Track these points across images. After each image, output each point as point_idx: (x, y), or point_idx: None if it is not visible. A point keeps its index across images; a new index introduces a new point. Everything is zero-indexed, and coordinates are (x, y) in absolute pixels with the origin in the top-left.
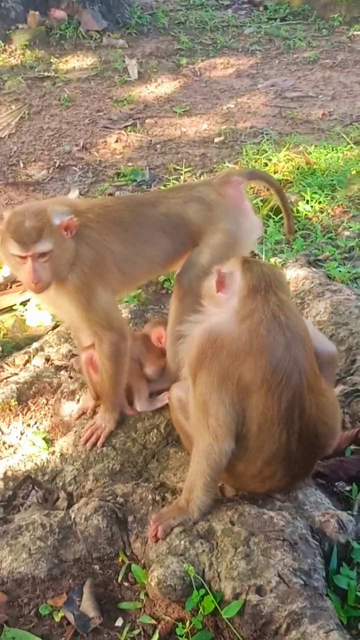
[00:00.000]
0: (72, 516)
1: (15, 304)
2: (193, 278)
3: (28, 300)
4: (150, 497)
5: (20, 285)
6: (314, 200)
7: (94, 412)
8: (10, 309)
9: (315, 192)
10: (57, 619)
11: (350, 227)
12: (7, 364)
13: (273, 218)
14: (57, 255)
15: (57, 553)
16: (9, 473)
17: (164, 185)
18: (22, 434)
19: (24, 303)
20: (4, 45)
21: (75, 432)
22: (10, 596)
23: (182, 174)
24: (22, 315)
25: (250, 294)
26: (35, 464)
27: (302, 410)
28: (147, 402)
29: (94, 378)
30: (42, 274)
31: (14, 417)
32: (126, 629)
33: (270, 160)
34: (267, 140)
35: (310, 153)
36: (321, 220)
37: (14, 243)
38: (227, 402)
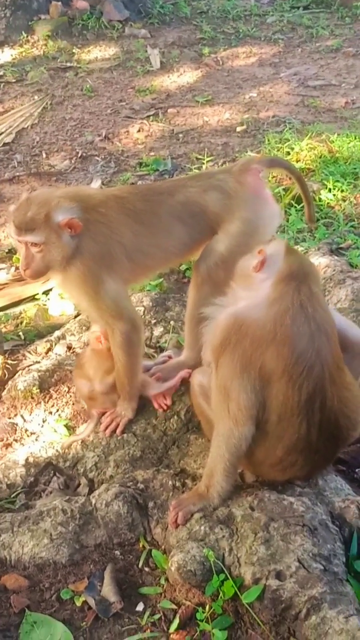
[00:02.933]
0: (93, 502)
1: (37, 294)
2: (211, 266)
3: (50, 289)
4: (170, 483)
5: None
6: (337, 189)
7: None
8: (32, 298)
9: (338, 181)
10: (78, 604)
11: None
12: (29, 352)
13: (295, 207)
14: (49, 249)
15: (78, 538)
16: (31, 460)
17: (186, 175)
18: (44, 421)
19: (46, 292)
20: (27, 36)
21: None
22: (31, 581)
23: (204, 163)
24: (45, 305)
25: (286, 279)
26: (57, 450)
27: (322, 403)
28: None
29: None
30: (31, 263)
31: (35, 405)
32: (147, 613)
33: (292, 149)
34: (290, 129)
35: (333, 141)
36: (343, 209)
37: (12, 226)
38: (249, 388)
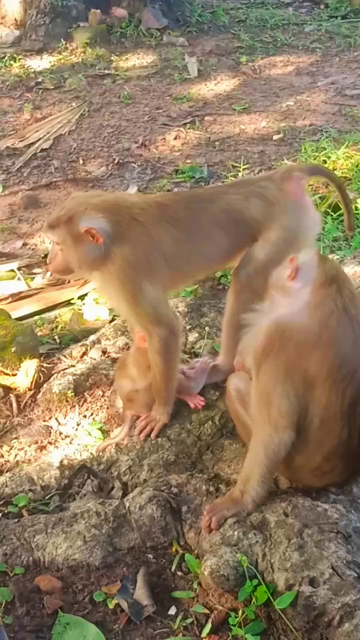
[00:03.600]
0: (127, 505)
1: (73, 298)
2: (251, 273)
3: (86, 294)
4: (204, 487)
5: (78, 280)
6: None
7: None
8: (68, 302)
9: None
10: (111, 606)
11: None
12: (64, 356)
13: (331, 215)
14: (67, 250)
15: (112, 541)
16: (65, 462)
17: (224, 182)
18: (78, 424)
19: (81, 297)
20: (65, 44)
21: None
22: (65, 583)
23: (240, 171)
24: (80, 309)
25: (326, 283)
26: (91, 453)
27: None
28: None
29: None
30: (53, 258)
31: (70, 408)
32: (179, 617)
33: (329, 157)
34: (327, 137)
35: None
36: None
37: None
38: (292, 394)
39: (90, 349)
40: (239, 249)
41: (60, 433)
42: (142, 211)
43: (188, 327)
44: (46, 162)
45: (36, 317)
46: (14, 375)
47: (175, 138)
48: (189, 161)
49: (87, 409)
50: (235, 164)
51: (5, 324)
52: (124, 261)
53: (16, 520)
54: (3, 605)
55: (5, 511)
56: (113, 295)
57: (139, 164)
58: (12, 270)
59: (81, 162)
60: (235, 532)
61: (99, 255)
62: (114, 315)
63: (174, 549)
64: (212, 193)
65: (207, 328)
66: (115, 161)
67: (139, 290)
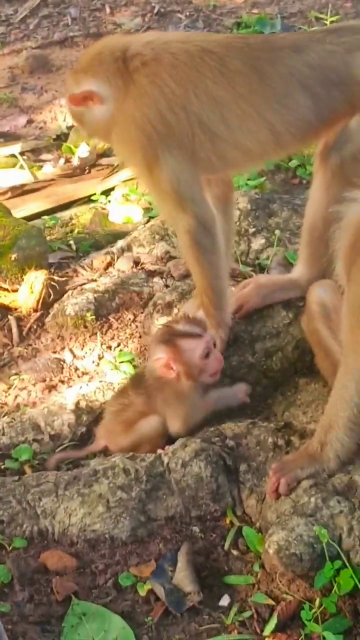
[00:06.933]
0: (165, 461)
1: (95, 194)
2: (347, 157)
3: (112, 188)
4: (270, 440)
5: (101, 169)
6: None
7: None
8: (88, 199)
9: None
10: (142, 593)
11: None
12: (82, 267)
13: None
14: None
15: (144, 508)
16: (82, 404)
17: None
18: (100, 358)
19: (106, 192)
20: None
21: None
22: (81, 561)
23: (326, 25)
24: (104, 208)
25: None
26: None
27: None
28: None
29: None
30: None
31: (90, 336)
32: (234, 609)
33: None
34: None
35: None
36: None
37: None
38: None
39: (118, 258)
40: (328, 123)
41: (76, 368)
42: (161, 56)
43: (251, 230)
44: (60, 10)
45: (45, 218)
46: (15, 291)
47: None
48: (255, 11)
49: (112, 338)
50: (320, 15)
51: (3, 223)
52: (131, 121)
53: (16, 478)
54: None
55: (2, 466)
56: (131, 167)
57: (187, 14)
58: (13, 156)
59: (108, 10)
60: (312, 499)
61: (108, 117)
62: (150, 216)
63: (228, 521)
64: (297, 40)
65: (277, 232)
66: (155, 10)
67: (154, 159)
